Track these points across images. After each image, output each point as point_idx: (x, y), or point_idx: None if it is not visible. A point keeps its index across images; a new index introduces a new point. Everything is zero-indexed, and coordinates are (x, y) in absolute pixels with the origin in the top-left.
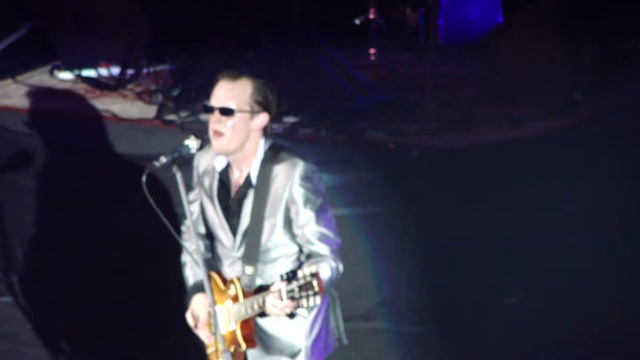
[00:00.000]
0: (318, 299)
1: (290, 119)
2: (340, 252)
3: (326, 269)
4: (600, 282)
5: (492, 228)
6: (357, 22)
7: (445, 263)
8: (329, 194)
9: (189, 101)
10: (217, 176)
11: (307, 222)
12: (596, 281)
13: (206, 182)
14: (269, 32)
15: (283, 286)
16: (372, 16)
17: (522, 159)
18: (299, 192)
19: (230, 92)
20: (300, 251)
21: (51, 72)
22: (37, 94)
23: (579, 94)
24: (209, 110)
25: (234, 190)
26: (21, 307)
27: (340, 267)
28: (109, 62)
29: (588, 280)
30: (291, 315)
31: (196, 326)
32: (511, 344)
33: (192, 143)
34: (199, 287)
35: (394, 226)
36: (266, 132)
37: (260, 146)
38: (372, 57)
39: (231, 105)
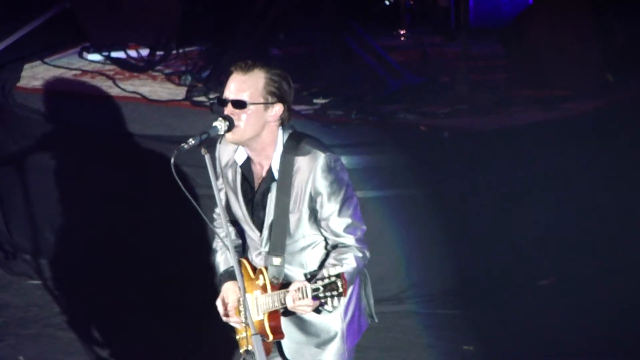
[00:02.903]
0: (342, 300)
1: (320, 101)
2: (366, 239)
3: (351, 260)
4: (631, 266)
5: (523, 210)
6: (388, 2)
7: (476, 245)
8: (359, 176)
9: (219, 83)
10: (239, 170)
11: (332, 214)
12: (628, 265)
13: (229, 175)
14: (299, 14)
15: (308, 285)
16: None
17: (553, 141)
18: (322, 185)
19: (243, 84)
20: (326, 240)
21: (80, 54)
22: (66, 75)
23: (610, 75)
24: (223, 102)
25: (256, 183)
26: (50, 290)
27: (367, 254)
28: (138, 44)
29: (621, 264)
30: (317, 311)
31: (225, 314)
32: (542, 327)
33: (220, 125)
34: (230, 274)
35: (425, 208)
36: (283, 122)
37: (279, 137)
38: (403, 39)
39: (244, 97)
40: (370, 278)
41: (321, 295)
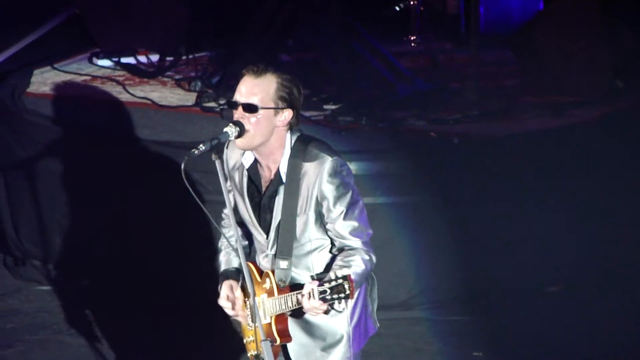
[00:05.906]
0: (350, 302)
1: (330, 107)
2: (372, 243)
3: (359, 263)
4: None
5: (533, 217)
6: (398, 9)
7: (485, 252)
8: (369, 182)
9: (228, 88)
10: (245, 173)
11: (338, 217)
12: (635, 272)
13: (236, 177)
14: (308, 20)
15: (315, 287)
16: (412, 3)
17: (563, 148)
18: (328, 189)
19: (255, 88)
20: (333, 243)
21: (90, 60)
22: (76, 81)
23: (620, 81)
24: (233, 105)
25: (264, 186)
26: (59, 296)
27: (374, 258)
28: (147, 49)
29: (628, 271)
30: (326, 311)
31: (233, 309)
32: (552, 334)
33: (231, 130)
34: (230, 274)
35: (434, 215)
36: (292, 127)
37: (287, 141)
38: (413, 45)
39: (255, 101)
40: (380, 284)
41: (328, 297)
